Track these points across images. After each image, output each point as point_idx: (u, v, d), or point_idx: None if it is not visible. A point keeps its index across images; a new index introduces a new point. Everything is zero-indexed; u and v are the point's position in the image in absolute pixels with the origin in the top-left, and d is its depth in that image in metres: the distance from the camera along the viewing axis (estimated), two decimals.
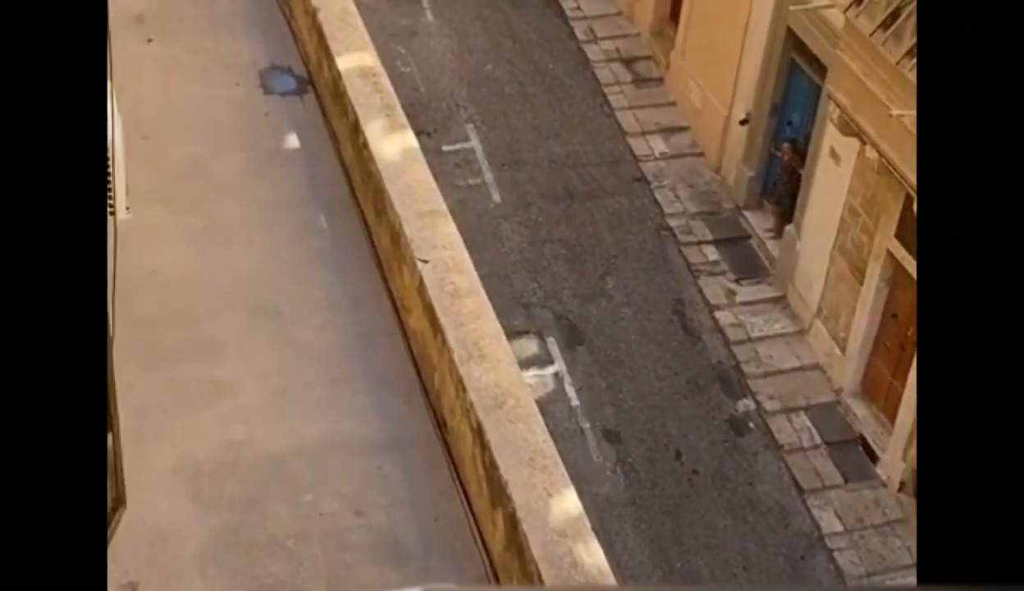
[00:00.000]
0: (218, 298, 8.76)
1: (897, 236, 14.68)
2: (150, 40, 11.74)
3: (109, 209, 6.94)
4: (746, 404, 15.72)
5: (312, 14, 11.27)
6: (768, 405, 15.74)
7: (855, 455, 15.43)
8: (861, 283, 15.43)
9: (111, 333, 5.60)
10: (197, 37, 11.99)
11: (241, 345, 8.33)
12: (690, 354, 15.98)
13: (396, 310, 8.80)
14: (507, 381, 7.45)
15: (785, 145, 17.06)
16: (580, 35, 20.07)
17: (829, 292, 16.18)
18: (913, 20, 13.15)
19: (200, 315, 8.57)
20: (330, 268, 9.25)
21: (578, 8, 20.54)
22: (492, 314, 8.06)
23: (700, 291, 16.65)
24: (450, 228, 8.76)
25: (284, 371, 8.18)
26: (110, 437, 5.58)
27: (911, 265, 14.32)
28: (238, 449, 7.54)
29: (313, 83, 11.36)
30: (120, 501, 6.78)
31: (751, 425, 15.54)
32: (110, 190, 7.00)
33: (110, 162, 7.00)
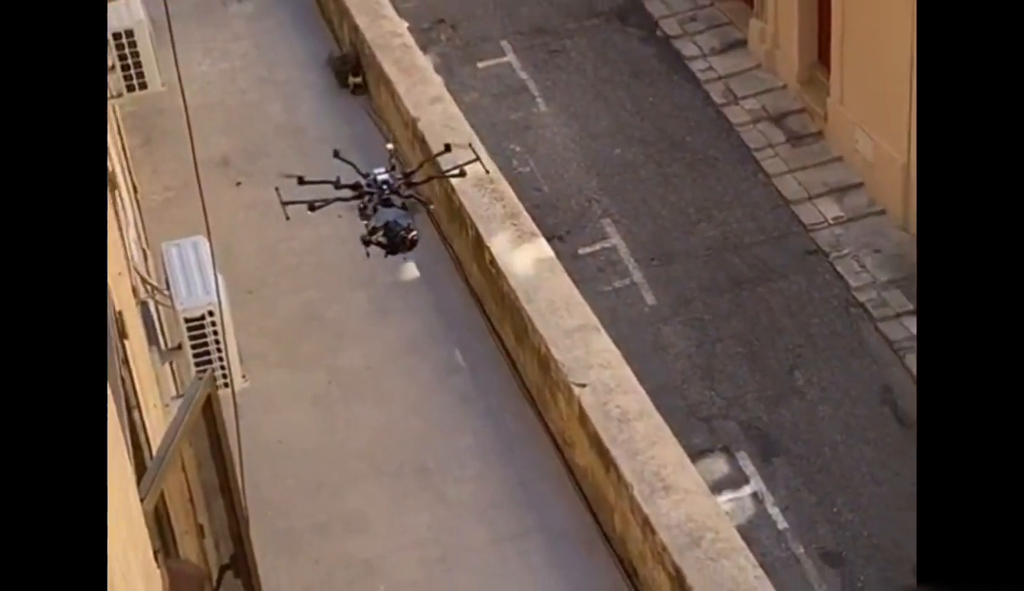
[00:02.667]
0: (354, 462, 8.92)
1: None
2: (239, 183, 12.22)
3: (224, 381, 7.18)
4: None
5: (412, 125, 11.62)
6: None
7: None
8: None
9: (245, 513, 5.75)
10: (288, 171, 12.41)
11: (388, 513, 8.45)
12: (909, 448, 15.59)
13: (558, 447, 8.83)
14: (701, 512, 7.39)
15: None
16: (717, 98, 20.16)
17: None
18: None
19: (337, 484, 8.73)
20: (475, 410, 9.35)
21: (710, 68, 20.68)
22: (670, 436, 8.04)
23: (909, 372, 16.28)
24: (604, 343, 8.81)
25: (441, 536, 8.25)
26: None
27: None
28: None
29: (425, 202, 11.65)
30: None
31: None
32: (222, 359, 7.25)
33: (217, 327, 7.26)
